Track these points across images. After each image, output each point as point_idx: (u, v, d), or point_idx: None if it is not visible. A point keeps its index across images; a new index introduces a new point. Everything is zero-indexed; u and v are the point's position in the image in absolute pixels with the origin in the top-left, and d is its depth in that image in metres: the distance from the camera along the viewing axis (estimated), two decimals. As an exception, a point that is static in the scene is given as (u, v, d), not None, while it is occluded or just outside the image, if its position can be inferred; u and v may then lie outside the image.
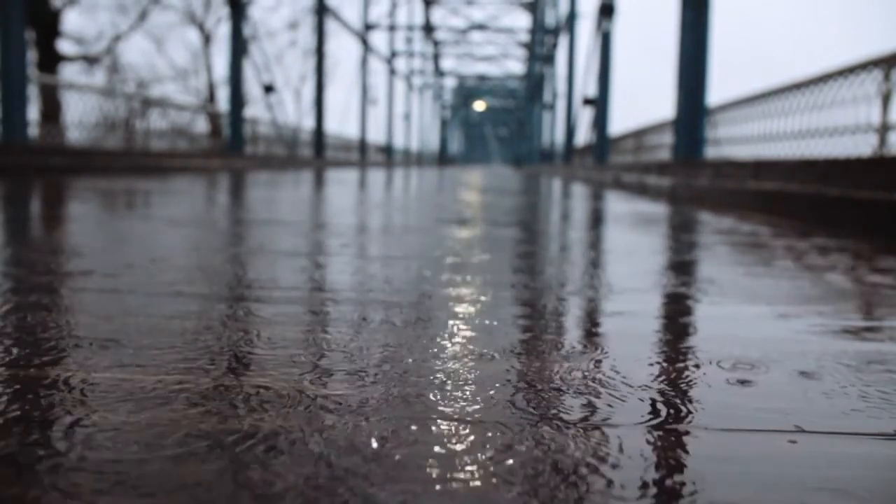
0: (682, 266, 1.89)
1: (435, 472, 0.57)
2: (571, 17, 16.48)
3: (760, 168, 4.14)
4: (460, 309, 1.21)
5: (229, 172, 9.80)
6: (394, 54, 28.85)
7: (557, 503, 0.53)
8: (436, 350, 0.94)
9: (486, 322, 1.12)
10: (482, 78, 44.99)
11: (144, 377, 0.79)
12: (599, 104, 11.49)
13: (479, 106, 55.44)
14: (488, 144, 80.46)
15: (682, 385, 0.82)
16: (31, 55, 15.96)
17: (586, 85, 12.53)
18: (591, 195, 6.39)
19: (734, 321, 1.21)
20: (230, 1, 12.55)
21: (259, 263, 1.69)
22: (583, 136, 13.58)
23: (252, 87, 13.70)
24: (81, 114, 8.44)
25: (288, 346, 0.93)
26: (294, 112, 26.37)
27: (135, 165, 8.59)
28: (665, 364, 0.90)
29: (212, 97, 23.41)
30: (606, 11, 10.96)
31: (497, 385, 0.79)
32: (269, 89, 14.08)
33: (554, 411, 0.72)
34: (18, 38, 6.81)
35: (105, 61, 20.09)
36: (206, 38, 23.75)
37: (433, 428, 0.66)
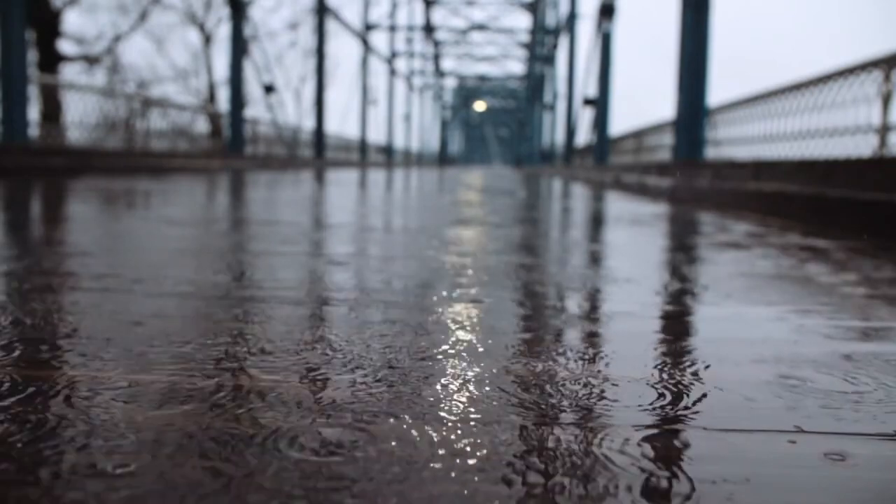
0: (676, 265, 1.89)
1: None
2: (572, 17, 16.48)
3: (760, 169, 4.14)
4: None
5: (230, 173, 9.80)
6: (394, 55, 28.85)
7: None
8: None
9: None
10: (482, 78, 44.94)
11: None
12: (600, 105, 11.49)
13: (480, 106, 55.39)
14: (488, 145, 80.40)
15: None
16: (32, 55, 15.97)
17: (587, 85, 12.54)
18: (591, 195, 6.39)
19: (733, 319, 1.21)
20: (231, 1, 12.55)
21: (258, 261, 1.69)
22: (583, 136, 13.59)
23: (252, 88, 13.72)
24: (82, 114, 8.45)
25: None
26: (294, 112, 26.39)
27: (135, 166, 8.59)
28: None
29: (212, 97, 23.40)
30: (607, 12, 10.96)
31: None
32: (269, 90, 14.09)
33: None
34: (19, 38, 6.81)
35: (105, 61, 20.10)
36: (207, 39, 23.76)
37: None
